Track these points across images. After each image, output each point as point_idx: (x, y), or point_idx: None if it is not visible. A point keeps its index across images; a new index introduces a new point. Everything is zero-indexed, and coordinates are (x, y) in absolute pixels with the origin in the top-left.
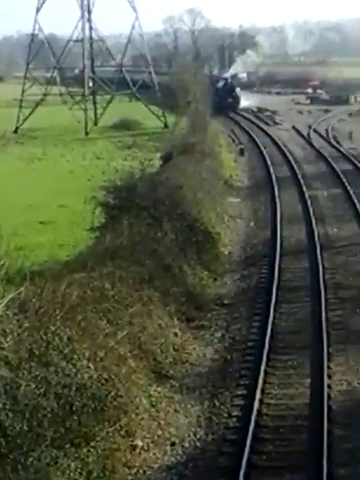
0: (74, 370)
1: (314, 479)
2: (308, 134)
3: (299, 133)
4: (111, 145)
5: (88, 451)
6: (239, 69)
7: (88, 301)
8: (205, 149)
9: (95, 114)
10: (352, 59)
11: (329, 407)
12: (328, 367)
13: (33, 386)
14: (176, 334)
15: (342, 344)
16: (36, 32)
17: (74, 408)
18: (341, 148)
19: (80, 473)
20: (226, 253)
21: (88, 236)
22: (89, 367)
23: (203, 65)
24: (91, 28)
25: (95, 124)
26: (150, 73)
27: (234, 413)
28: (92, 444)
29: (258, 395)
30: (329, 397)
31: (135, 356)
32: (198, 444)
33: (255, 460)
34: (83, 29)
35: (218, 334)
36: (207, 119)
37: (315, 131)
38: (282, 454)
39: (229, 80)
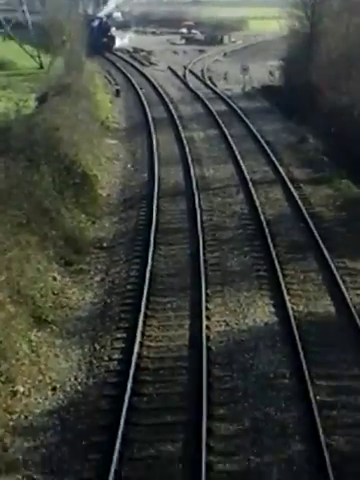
0: None
1: (194, 420)
2: (184, 74)
3: (175, 73)
4: None
5: None
6: (113, 7)
7: None
8: (81, 90)
9: None
10: None
11: (208, 348)
12: (206, 308)
13: None
14: (55, 278)
15: (220, 285)
16: None
17: None
18: (216, 89)
19: None
20: (104, 195)
21: None
22: None
23: (78, 4)
24: None
25: None
26: (23, 12)
27: (115, 356)
28: None
29: (138, 338)
30: (208, 338)
31: (14, 301)
32: (79, 388)
33: (136, 402)
34: None
35: (98, 278)
36: (82, 59)
37: (190, 72)
38: (162, 396)
39: (104, 19)
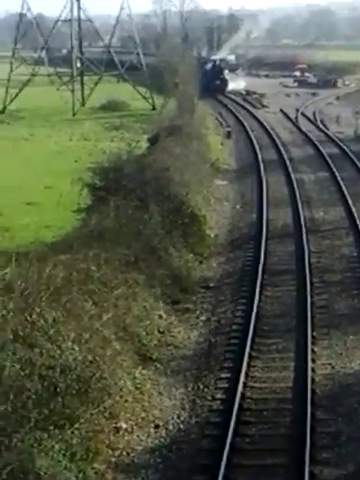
0: (59, 352)
1: (297, 462)
2: (296, 117)
3: (286, 116)
4: (98, 126)
5: (72, 433)
6: (227, 50)
7: (73, 283)
8: (192, 131)
9: (82, 95)
10: (339, 42)
11: (313, 391)
12: (312, 351)
13: (18, 367)
14: (161, 317)
15: (326, 328)
16: (24, 12)
17: (58, 390)
18: (328, 132)
19: (64, 455)
20: (212, 236)
21: (74, 217)
22: (74, 349)
23: (191, 47)
24: (79, 8)
25: (83, 105)
26: (138, 54)
27: (218, 396)
28: (76, 426)
29: (242, 378)
30: (313, 381)
31: (120, 338)
32: (182, 427)
33: (238, 443)
34: (71, 9)
35: (203, 317)
36: (195, 101)
37: (303, 114)
38: (265, 437)
39: (217, 62)
